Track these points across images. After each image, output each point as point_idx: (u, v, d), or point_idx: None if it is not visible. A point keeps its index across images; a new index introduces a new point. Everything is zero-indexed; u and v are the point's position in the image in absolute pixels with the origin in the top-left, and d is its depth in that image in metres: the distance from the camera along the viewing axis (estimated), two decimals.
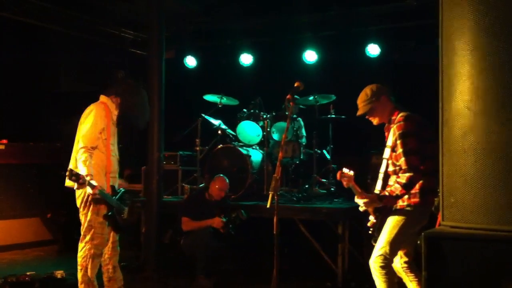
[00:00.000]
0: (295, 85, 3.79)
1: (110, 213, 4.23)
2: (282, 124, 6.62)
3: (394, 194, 3.59)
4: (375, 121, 3.88)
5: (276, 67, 8.33)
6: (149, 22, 6.53)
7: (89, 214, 4.22)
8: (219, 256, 5.59)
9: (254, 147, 6.81)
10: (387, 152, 3.75)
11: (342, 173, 3.81)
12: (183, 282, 5.52)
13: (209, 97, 7.15)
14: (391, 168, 3.74)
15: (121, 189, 4.44)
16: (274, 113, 6.80)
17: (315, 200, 6.22)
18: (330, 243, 5.56)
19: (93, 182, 3.98)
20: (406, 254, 3.78)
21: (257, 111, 6.86)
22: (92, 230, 4.21)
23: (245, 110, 6.94)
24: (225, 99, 7.12)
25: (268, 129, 6.64)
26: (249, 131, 6.77)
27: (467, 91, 2.27)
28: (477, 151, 2.23)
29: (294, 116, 6.74)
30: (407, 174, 3.53)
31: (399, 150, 3.60)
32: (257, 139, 6.74)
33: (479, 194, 2.21)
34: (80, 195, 4.23)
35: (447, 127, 2.36)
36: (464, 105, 2.27)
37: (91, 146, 4.16)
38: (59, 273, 5.15)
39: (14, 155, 7.52)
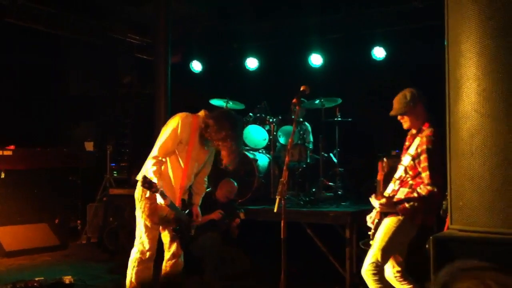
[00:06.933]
0: (301, 89, 3.79)
1: (177, 228, 4.22)
2: (289, 128, 6.61)
3: (410, 203, 3.58)
4: (405, 124, 3.82)
5: (282, 71, 8.33)
6: (156, 27, 6.55)
7: (142, 217, 4.17)
8: (227, 259, 5.59)
9: (260, 151, 6.79)
10: (406, 160, 3.71)
11: (384, 162, 3.78)
12: (191, 284, 5.50)
13: (215, 102, 7.15)
14: (402, 174, 3.73)
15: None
16: (280, 117, 6.78)
17: (322, 204, 6.20)
18: (338, 247, 5.54)
19: (165, 193, 3.93)
20: (398, 264, 3.77)
21: (263, 115, 6.85)
22: (140, 234, 4.18)
23: (251, 114, 6.93)
24: (231, 103, 7.11)
25: (275, 133, 6.62)
26: (255, 135, 6.76)
27: (474, 94, 2.26)
28: (484, 153, 2.22)
29: (301, 119, 6.73)
30: (430, 188, 3.51)
31: (424, 163, 3.56)
32: (264, 143, 6.72)
33: (487, 197, 2.20)
34: (138, 196, 4.20)
35: (454, 130, 2.35)
36: (471, 107, 2.26)
37: (163, 157, 4.10)
38: (67, 279, 5.15)
39: (22, 161, 7.55)
